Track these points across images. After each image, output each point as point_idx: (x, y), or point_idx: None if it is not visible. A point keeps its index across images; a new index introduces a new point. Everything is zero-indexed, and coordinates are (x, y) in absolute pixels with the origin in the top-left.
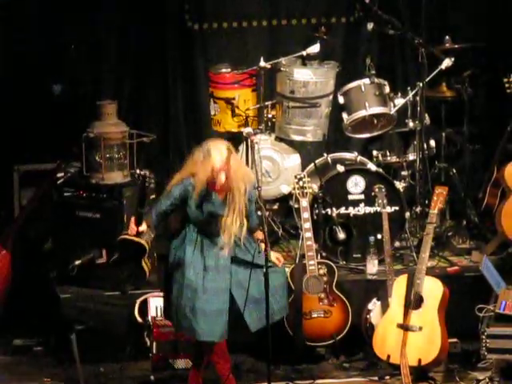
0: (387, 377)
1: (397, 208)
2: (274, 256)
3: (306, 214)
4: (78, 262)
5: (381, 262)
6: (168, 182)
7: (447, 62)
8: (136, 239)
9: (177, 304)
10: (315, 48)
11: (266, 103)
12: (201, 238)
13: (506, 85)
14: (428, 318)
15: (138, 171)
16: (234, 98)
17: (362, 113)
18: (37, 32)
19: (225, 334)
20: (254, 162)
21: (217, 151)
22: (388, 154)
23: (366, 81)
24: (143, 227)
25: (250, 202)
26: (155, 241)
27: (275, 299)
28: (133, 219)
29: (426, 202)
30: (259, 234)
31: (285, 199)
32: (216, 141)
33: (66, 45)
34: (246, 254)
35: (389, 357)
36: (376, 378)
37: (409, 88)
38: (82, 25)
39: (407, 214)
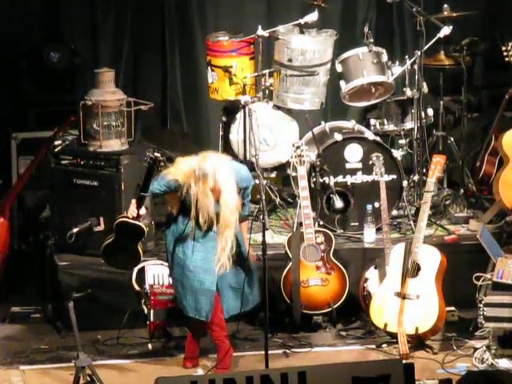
0: (384, 345)
1: (394, 176)
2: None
3: (303, 183)
4: (75, 230)
5: (378, 230)
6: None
7: (445, 31)
8: (136, 222)
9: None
10: (313, 16)
11: (264, 71)
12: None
13: (504, 53)
14: (425, 286)
15: (149, 153)
16: (231, 66)
17: (359, 81)
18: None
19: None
20: (252, 130)
21: (210, 174)
22: (386, 122)
23: (364, 49)
24: (143, 210)
25: (244, 190)
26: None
27: (248, 290)
28: (134, 201)
29: (424, 170)
30: (244, 226)
31: (282, 167)
32: (207, 160)
33: (65, 11)
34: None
35: (386, 325)
36: (373, 346)
37: (407, 56)
38: None
39: (405, 183)
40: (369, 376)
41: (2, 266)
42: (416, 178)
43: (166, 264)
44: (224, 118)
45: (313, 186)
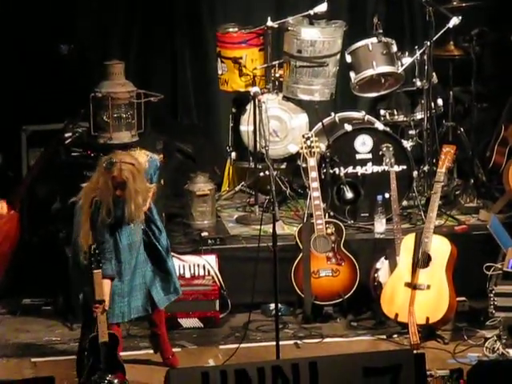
0: (395, 335)
1: (404, 167)
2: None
3: (313, 174)
4: None
5: (388, 220)
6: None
7: (455, 21)
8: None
9: None
10: (322, 7)
11: (274, 63)
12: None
13: None
14: (436, 276)
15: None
16: (241, 58)
17: (369, 72)
18: None
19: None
20: (262, 121)
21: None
22: (395, 112)
23: (374, 40)
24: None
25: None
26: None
27: (155, 291)
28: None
29: (434, 160)
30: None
31: (292, 158)
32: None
33: (74, 4)
34: (149, 237)
35: (397, 315)
36: (384, 337)
37: (416, 47)
38: None
39: (415, 173)
40: (380, 366)
41: (13, 258)
42: (426, 168)
43: (177, 255)
44: (234, 110)
45: (323, 176)
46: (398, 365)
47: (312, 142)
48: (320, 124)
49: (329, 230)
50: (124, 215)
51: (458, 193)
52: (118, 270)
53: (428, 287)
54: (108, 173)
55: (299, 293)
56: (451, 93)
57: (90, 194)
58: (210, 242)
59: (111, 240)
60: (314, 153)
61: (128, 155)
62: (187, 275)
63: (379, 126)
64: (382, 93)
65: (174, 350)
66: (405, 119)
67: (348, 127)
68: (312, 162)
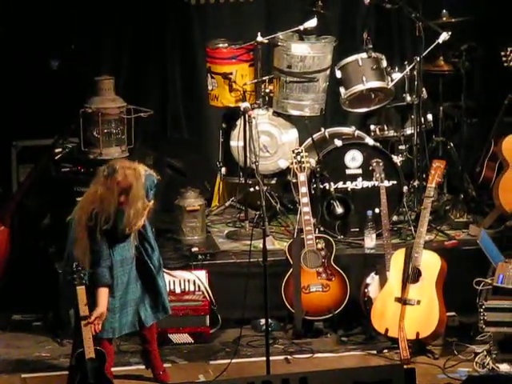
0: (385, 350)
1: (394, 182)
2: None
3: (303, 189)
4: None
5: (379, 236)
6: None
7: (444, 36)
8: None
9: None
10: (312, 22)
11: (264, 78)
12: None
13: (503, 58)
14: (426, 291)
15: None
16: (231, 73)
17: (359, 87)
18: (36, 6)
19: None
20: (252, 136)
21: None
22: (385, 128)
23: (364, 55)
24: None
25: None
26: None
27: (143, 308)
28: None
29: (424, 175)
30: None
31: (283, 174)
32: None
33: (64, 20)
34: (141, 253)
35: (387, 330)
36: (374, 352)
37: (406, 62)
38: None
39: (405, 188)
40: (370, 381)
41: (3, 274)
42: (416, 183)
43: (167, 271)
44: (224, 125)
45: (313, 192)
46: (388, 380)
47: (302, 157)
48: (310, 139)
49: (319, 245)
50: (121, 226)
51: (447, 208)
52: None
53: (418, 302)
54: (111, 179)
55: (289, 308)
56: (441, 108)
57: (88, 206)
58: (200, 257)
59: (107, 249)
60: (304, 168)
61: (127, 161)
62: (177, 291)
63: (369, 141)
64: (372, 108)
65: (164, 365)
66: (395, 134)
67: (338, 142)
68: (302, 177)
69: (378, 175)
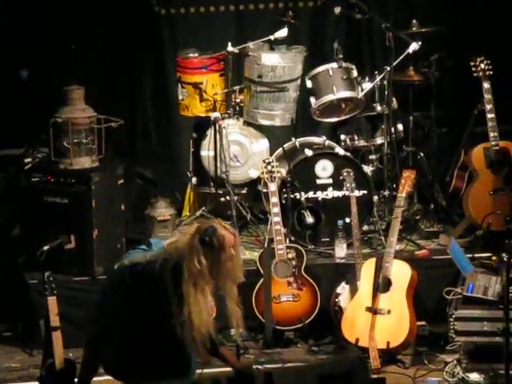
0: None
1: (365, 192)
2: None
3: (274, 199)
4: (46, 248)
5: (349, 245)
6: None
7: (414, 46)
8: None
9: None
10: (283, 32)
11: (234, 88)
12: None
13: (473, 68)
14: (396, 301)
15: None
16: (201, 83)
17: (329, 97)
18: (4, 16)
19: None
20: (222, 146)
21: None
22: (356, 137)
23: (334, 65)
24: None
25: None
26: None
27: None
28: None
29: (394, 185)
30: None
31: (253, 184)
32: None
33: (34, 29)
34: None
35: (357, 340)
36: None
37: (376, 72)
38: (49, 10)
39: (375, 198)
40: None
41: None
42: (386, 193)
43: None
44: (194, 135)
45: (284, 201)
46: (351, 371)
47: (273, 167)
48: (281, 149)
49: (290, 255)
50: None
51: (418, 217)
52: None
53: (388, 312)
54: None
55: (260, 318)
56: (411, 118)
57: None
58: None
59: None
60: (275, 178)
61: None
62: None
63: (339, 151)
64: (343, 118)
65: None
66: (365, 144)
67: (308, 152)
68: (273, 187)
69: (348, 185)
